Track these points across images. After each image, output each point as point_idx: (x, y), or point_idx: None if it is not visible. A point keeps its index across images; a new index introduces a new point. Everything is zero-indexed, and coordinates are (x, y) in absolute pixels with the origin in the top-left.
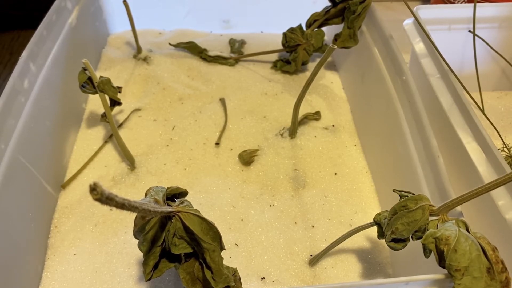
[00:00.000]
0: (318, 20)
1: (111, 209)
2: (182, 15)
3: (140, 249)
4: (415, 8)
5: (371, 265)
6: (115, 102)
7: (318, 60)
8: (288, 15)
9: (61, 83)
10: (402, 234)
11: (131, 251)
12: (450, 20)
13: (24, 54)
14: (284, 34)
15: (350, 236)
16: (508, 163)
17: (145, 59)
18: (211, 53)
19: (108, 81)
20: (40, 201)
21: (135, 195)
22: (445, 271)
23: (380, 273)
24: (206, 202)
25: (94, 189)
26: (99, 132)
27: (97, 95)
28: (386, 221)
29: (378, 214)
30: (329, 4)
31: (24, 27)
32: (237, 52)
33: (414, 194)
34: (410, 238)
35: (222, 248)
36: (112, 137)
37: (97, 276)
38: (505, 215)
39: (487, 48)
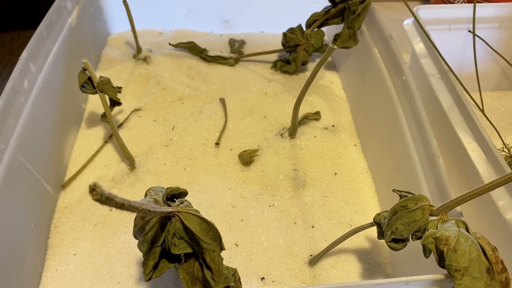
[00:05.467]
0: (318, 20)
1: (111, 209)
2: (182, 15)
3: (140, 249)
4: (415, 8)
5: (371, 265)
6: (115, 102)
7: (318, 60)
8: (288, 15)
9: (61, 83)
10: (402, 234)
11: (131, 251)
12: (450, 20)
13: (24, 54)
14: (284, 34)
15: (350, 236)
16: (508, 163)
17: (145, 59)
18: (211, 53)
19: (108, 81)
20: (40, 201)
21: (135, 195)
22: (445, 271)
23: (380, 273)
24: (206, 202)
25: (93, 190)
26: (99, 132)
27: (97, 95)
28: (386, 221)
29: (378, 214)
30: (329, 4)
31: (24, 27)
32: (237, 52)
33: (414, 194)
34: (410, 238)
35: (222, 248)
36: (112, 137)
37: (97, 276)
38: (505, 215)
39: (487, 48)
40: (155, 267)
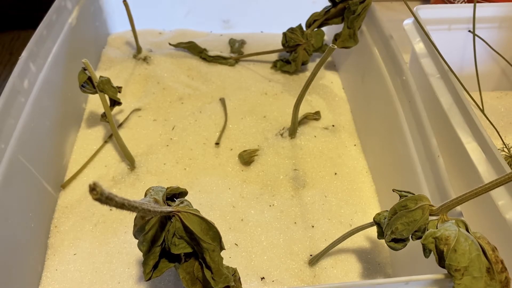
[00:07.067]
0: (318, 20)
1: (111, 209)
2: (182, 15)
3: (140, 249)
4: (415, 8)
5: (371, 265)
6: (115, 102)
7: (318, 60)
8: (288, 15)
9: (61, 83)
10: (402, 234)
11: (131, 251)
12: (450, 20)
13: (24, 54)
14: (284, 34)
15: (350, 236)
16: (508, 163)
17: (145, 59)
18: (211, 53)
19: (108, 81)
20: (40, 201)
21: (135, 195)
22: (445, 271)
23: (380, 273)
24: (206, 202)
25: (93, 189)
26: (99, 132)
27: (97, 95)
28: (386, 221)
29: (378, 214)
30: (329, 4)
31: (24, 27)
32: (237, 52)
33: (414, 194)
34: (410, 238)
35: (222, 248)
36: (112, 137)
37: (97, 276)
38: (505, 215)
39: (487, 48)
40: (155, 266)
